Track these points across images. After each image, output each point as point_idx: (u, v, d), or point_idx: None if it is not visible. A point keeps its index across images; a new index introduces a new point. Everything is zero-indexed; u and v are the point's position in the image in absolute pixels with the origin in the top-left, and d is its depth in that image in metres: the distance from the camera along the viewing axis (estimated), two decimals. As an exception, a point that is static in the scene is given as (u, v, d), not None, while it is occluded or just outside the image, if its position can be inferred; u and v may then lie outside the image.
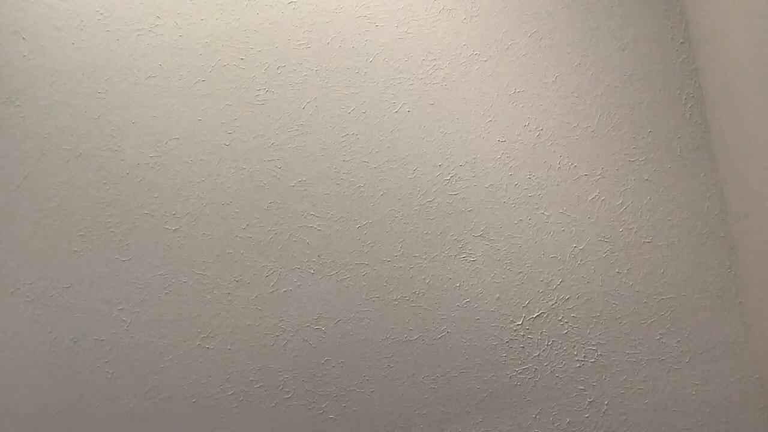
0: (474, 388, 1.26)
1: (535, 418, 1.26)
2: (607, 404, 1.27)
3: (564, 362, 1.28)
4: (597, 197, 1.31)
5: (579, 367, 1.28)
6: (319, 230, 1.28)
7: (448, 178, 1.31)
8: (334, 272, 1.27)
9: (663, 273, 1.30)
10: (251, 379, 1.24)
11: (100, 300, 1.24)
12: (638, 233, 1.31)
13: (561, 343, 1.28)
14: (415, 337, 1.27)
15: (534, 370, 1.27)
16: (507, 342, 1.28)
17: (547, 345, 1.28)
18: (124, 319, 1.24)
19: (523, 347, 1.28)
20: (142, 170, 1.27)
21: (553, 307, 1.29)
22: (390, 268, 1.28)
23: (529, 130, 1.32)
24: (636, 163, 1.32)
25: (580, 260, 1.30)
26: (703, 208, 1.32)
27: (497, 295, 1.28)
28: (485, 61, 1.33)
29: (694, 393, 1.28)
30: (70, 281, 1.24)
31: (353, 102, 1.31)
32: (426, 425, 1.25)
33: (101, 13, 1.30)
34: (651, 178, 1.32)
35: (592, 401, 1.27)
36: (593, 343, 1.28)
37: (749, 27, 1.15)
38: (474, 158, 1.31)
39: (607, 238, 1.30)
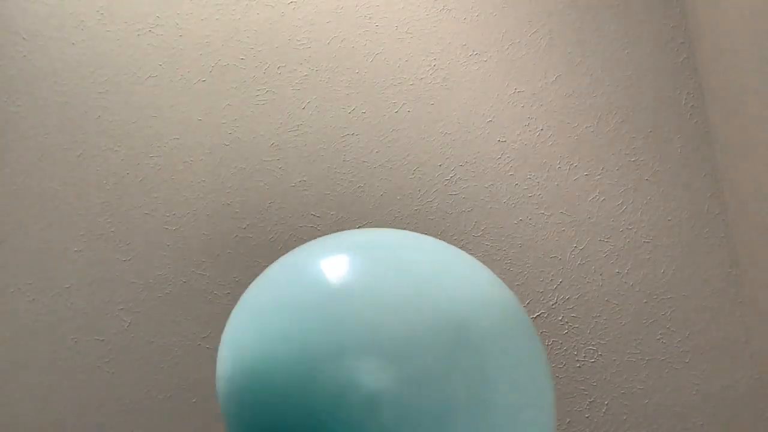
0: (474, 388, 1.26)
1: (535, 418, 1.26)
2: (607, 404, 1.27)
3: (564, 362, 1.28)
4: (597, 197, 1.31)
5: (579, 367, 1.28)
6: (319, 230, 1.28)
7: (448, 178, 1.31)
8: (334, 272, 1.27)
9: (663, 273, 1.30)
10: (251, 379, 1.24)
11: (100, 300, 1.24)
12: (638, 233, 1.31)
13: (561, 343, 1.28)
14: (415, 337, 1.27)
15: (534, 370, 1.27)
16: (507, 342, 1.27)
17: (547, 345, 1.28)
18: (124, 319, 1.24)
19: (523, 347, 1.28)
20: (142, 170, 1.27)
21: (553, 307, 1.29)
22: (390, 268, 1.28)
23: (529, 130, 1.32)
24: (636, 163, 1.32)
25: (580, 260, 1.30)
26: (703, 208, 1.32)
27: (497, 295, 1.28)
28: (485, 61, 1.33)
29: (694, 393, 1.28)
30: (70, 281, 1.24)
31: (353, 102, 1.31)
32: (426, 425, 1.25)
33: (101, 13, 1.30)
34: (651, 178, 1.32)
35: (592, 401, 1.27)
36: (593, 343, 1.28)
37: (749, 27, 1.15)
38: (474, 158, 1.31)
39: (607, 238, 1.30)
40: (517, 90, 1.33)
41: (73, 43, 1.29)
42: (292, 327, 0.64)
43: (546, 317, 1.28)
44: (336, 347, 0.62)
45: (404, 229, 1.29)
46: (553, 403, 0.71)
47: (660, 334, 1.29)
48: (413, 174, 1.31)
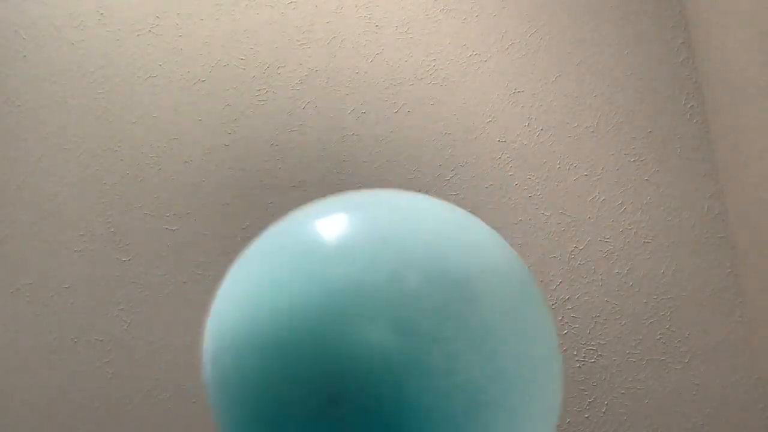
0: (474, 388, 1.26)
1: (535, 418, 1.26)
2: (607, 404, 1.27)
3: (564, 362, 1.28)
4: (597, 197, 1.32)
5: (579, 367, 1.28)
6: (319, 230, 1.28)
7: (448, 178, 1.31)
8: (334, 272, 1.27)
9: (663, 273, 1.30)
10: (251, 379, 1.24)
11: (100, 300, 1.24)
12: (638, 233, 1.31)
13: (561, 343, 1.28)
14: (415, 337, 1.27)
15: (534, 370, 1.27)
16: (507, 342, 1.27)
17: (547, 345, 1.28)
18: (124, 319, 1.24)
19: (523, 347, 1.28)
20: (142, 170, 1.27)
21: (553, 307, 1.29)
22: (390, 268, 1.28)
23: (529, 130, 1.32)
24: (636, 163, 1.32)
25: (580, 260, 1.30)
26: (703, 208, 1.32)
27: (497, 295, 1.28)
28: (485, 61, 1.33)
29: (694, 393, 1.28)
30: (70, 281, 1.24)
31: (353, 102, 1.31)
32: (426, 425, 1.25)
33: (101, 13, 1.30)
34: (651, 178, 1.32)
35: (592, 401, 1.27)
36: (593, 343, 1.28)
37: (749, 27, 1.15)
38: (474, 158, 1.31)
39: (607, 238, 1.30)
40: (517, 90, 1.33)
41: (73, 43, 1.29)
42: (290, 286, 0.62)
43: (546, 317, 1.28)
44: (338, 307, 0.59)
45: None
46: (557, 350, 0.70)
47: (660, 334, 1.29)
48: (413, 174, 1.31)
